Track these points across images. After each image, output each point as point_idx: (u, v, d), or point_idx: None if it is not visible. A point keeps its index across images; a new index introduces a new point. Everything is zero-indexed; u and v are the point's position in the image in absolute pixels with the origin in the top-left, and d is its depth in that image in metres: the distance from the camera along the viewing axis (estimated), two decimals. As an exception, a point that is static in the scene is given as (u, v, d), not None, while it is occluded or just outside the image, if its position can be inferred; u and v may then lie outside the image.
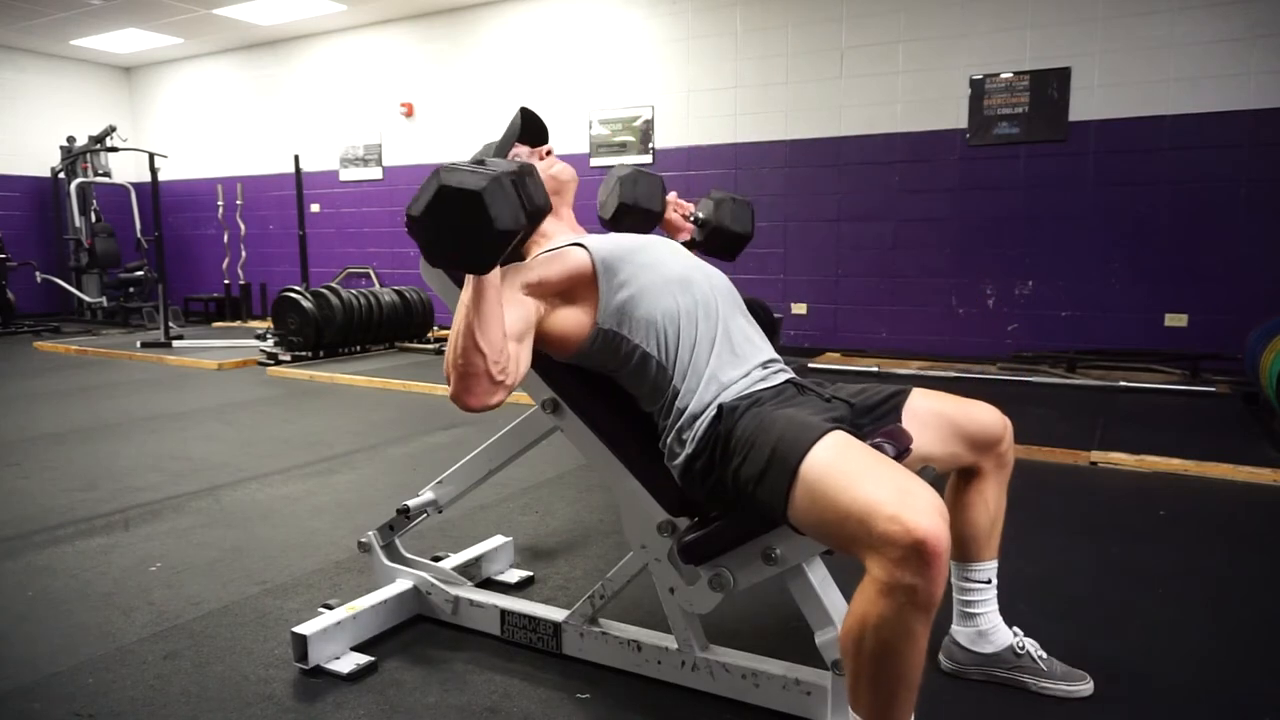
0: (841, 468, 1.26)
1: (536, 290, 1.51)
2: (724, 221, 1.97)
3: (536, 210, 1.34)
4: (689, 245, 1.96)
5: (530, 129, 1.78)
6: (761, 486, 1.35)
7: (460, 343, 1.33)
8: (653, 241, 1.69)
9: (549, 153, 1.80)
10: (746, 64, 6.64)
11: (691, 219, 1.99)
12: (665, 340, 1.53)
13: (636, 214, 1.85)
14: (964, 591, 1.72)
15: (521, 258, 1.65)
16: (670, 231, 1.99)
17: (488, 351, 1.33)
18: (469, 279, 1.33)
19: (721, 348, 1.55)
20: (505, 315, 1.39)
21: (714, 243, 2.01)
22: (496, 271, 1.35)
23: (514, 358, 1.39)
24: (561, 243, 1.62)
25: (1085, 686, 1.67)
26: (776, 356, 1.64)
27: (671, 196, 1.96)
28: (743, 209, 2.01)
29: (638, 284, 1.54)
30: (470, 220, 1.21)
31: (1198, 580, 2.28)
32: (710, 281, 1.63)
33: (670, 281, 1.57)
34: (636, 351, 1.53)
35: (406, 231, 1.27)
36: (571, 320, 1.54)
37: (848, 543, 1.23)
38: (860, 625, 1.19)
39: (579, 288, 1.54)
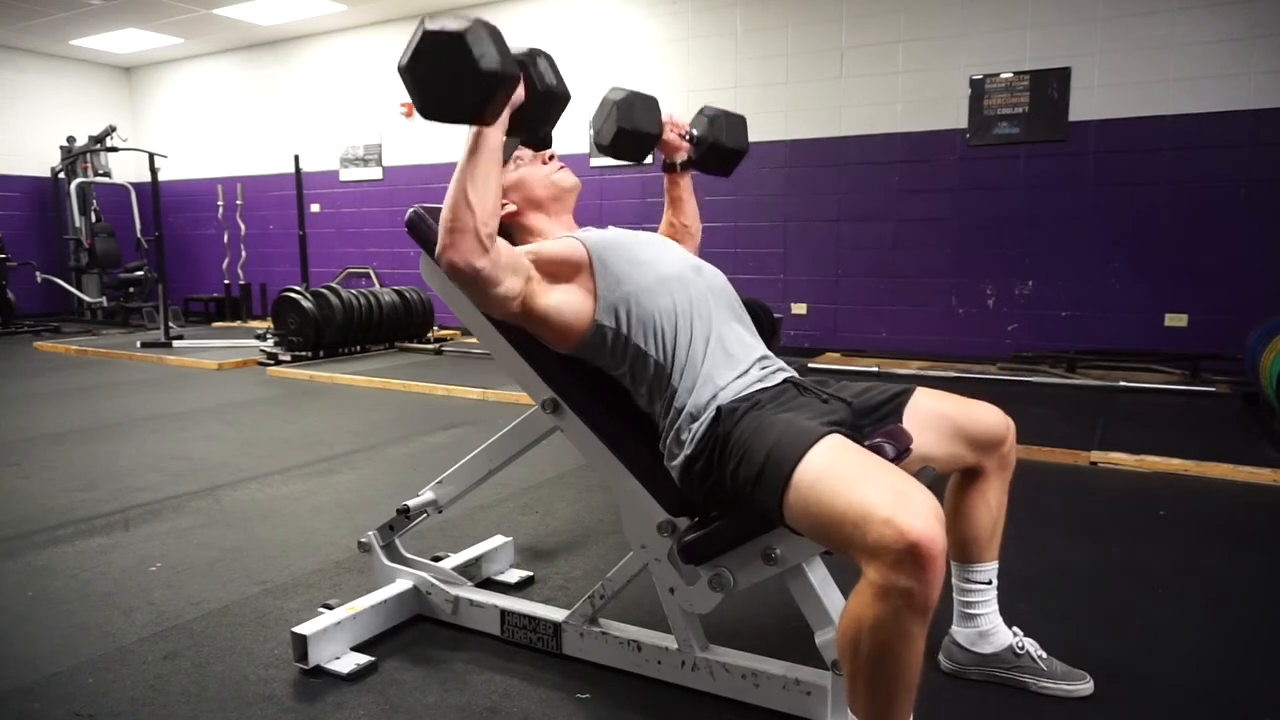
0: (836, 472, 1.26)
1: (532, 256, 1.53)
2: (720, 138, 1.94)
3: (549, 91, 1.36)
4: (685, 164, 1.97)
5: None
6: (758, 490, 1.35)
7: (451, 199, 1.34)
8: (648, 239, 1.70)
9: (552, 157, 1.78)
10: (746, 64, 6.64)
11: (687, 137, 1.95)
12: (663, 339, 1.53)
13: (635, 138, 1.81)
14: (965, 592, 1.71)
15: None
16: (667, 152, 1.95)
17: (477, 210, 1.33)
18: (468, 136, 1.34)
19: (715, 347, 1.55)
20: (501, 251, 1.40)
21: (710, 160, 1.97)
22: (497, 134, 1.35)
23: (506, 251, 1.41)
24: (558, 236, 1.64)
25: (1085, 686, 1.67)
26: (770, 354, 1.64)
27: (667, 116, 1.91)
28: (737, 124, 1.98)
29: (634, 282, 1.55)
30: (456, 64, 1.23)
31: (1198, 580, 2.28)
32: (705, 279, 1.64)
33: (667, 279, 1.57)
34: (635, 350, 1.54)
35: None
36: (571, 306, 1.54)
37: (843, 546, 1.23)
38: (856, 628, 1.19)
39: (574, 274, 1.56)
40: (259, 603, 2.15)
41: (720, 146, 1.95)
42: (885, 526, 1.14)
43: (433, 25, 1.24)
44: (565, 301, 1.54)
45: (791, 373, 1.62)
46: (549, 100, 1.38)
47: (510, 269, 1.42)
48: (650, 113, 1.83)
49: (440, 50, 1.23)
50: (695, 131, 1.95)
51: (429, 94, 1.27)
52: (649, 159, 1.99)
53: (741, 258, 6.77)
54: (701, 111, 1.99)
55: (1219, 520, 2.79)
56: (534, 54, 1.37)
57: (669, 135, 1.91)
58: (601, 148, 1.83)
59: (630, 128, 1.78)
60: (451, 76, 1.24)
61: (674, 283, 1.57)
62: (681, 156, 1.96)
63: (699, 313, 1.56)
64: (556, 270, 1.55)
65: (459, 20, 1.24)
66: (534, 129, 1.43)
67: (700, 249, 2.01)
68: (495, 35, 1.26)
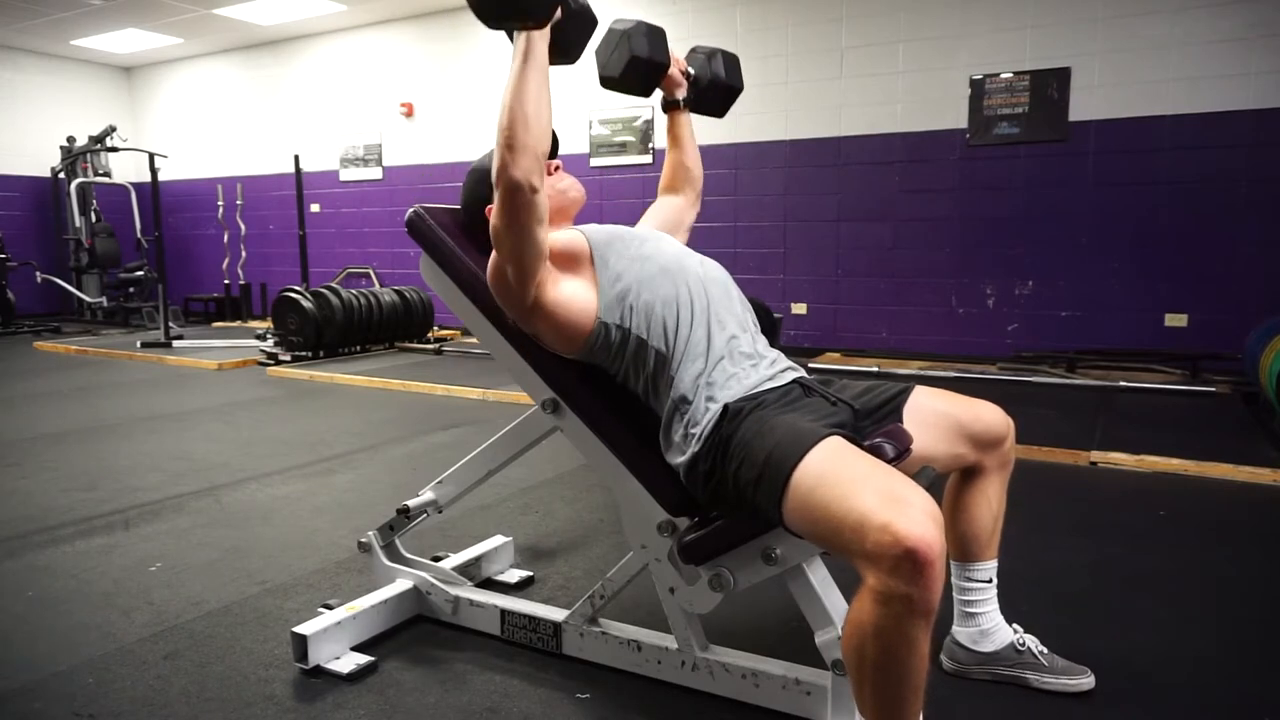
0: (834, 476, 1.25)
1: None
2: (719, 73, 1.94)
3: (582, 10, 1.43)
4: (685, 103, 1.95)
5: None
6: (758, 492, 1.35)
7: (508, 116, 1.38)
8: (647, 233, 1.70)
9: (558, 168, 1.75)
10: (746, 64, 6.54)
11: (686, 75, 1.94)
12: (664, 328, 1.53)
13: (647, 68, 1.78)
14: (965, 591, 1.71)
15: None
16: (669, 88, 1.94)
17: (534, 126, 1.38)
18: (517, 50, 1.38)
19: (719, 340, 1.54)
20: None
21: (710, 97, 1.96)
22: (544, 44, 1.39)
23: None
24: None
25: (1086, 681, 1.68)
26: (776, 352, 1.63)
27: (673, 49, 1.89)
28: (733, 62, 1.97)
29: (633, 275, 1.56)
30: None
31: (1198, 580, 2.28)
32: (706, 271, 1.64)
33: (668, 270, 1.58)
34: (637, 341, 1.54)
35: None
36: (577, 301, 1.55)
37: (842, 551, 1.23)
38: (859, 633, 1.19)
39: (578, 266, 1.57)
40: (259, 603, 2.15)
41: (720, 82, 1.94)
42: (882, 532, 1.13)
43: None
44: (572, 296, 1.55)
45: (800, 372, 1.62)
46: (582, 21, 1.42)
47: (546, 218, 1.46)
48: (660, 43, 1.81)
49: None
50: (693, 70, 1.94)
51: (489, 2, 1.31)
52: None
53: (741, 258, 6.77)
54: (694, 50, 1.98)
55: (1219, 520, 2.79)
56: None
57: (673, 70, 1.90)
58: (608, 80, 1.80)
59: (645, 56, 1.75)
60: None
61: (675, 274, 1.58)
62: (682, 93, 1.95)
63: (699, 304, 1.56)
64: (563, 261, 1.56)
65: None
66: (568, 50, 1.47)
67: (700, 249, 2.00)
68: None
